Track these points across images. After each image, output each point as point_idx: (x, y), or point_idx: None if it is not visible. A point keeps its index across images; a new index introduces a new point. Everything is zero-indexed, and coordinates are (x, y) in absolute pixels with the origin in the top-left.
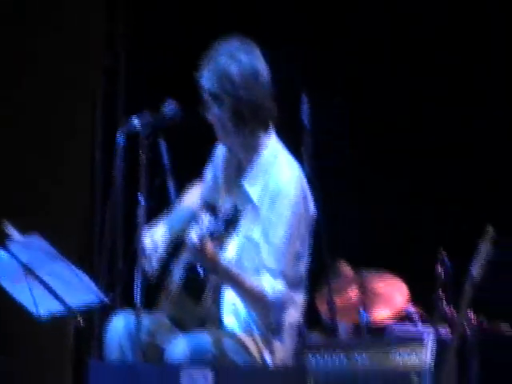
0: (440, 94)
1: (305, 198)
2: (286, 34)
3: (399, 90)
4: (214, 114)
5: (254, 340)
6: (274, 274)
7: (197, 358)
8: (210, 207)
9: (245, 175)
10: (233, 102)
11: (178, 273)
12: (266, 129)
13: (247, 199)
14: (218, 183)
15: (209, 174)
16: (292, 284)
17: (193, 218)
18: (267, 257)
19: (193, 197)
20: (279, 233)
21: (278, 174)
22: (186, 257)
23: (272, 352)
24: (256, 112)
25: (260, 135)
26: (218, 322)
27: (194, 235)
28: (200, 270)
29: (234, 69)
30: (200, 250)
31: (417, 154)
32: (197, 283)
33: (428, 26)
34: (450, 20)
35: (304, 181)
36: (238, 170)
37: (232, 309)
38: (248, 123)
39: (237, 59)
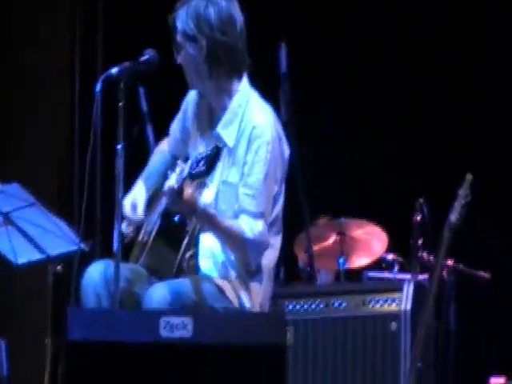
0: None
1: (280, 140)
2: None
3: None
4: (189, 54)
5: (231, 284)
6: (254, 215)
7: (176, 303)
8: (180, 159)
9: (217, 120)
10: (208, 43)
11: (152, 221)
12: (238, 74)
13: (221, 144)
14: (188, 134)
15: (176, 126)
16: (270, 226)
17: (165, 172)
18: (246, 199)
19: (162, 153)
20: (257, 175)
21: (252, 117)
22: (162, 204)
23: (250, 296)
24: (230, 55)
25: (233, 81)
26: (195, 269)
27: (171, 181)
28: (175, 217)
29: (211, 12)
30: (178, 193)
31: (398, 104)
32: (172, 231)
33: (428, 26)
34: (449, 20)
35: (278, 124)
36: (209, 116)
37: (209, 253)
38: (222, 66)
39: (215, 3)
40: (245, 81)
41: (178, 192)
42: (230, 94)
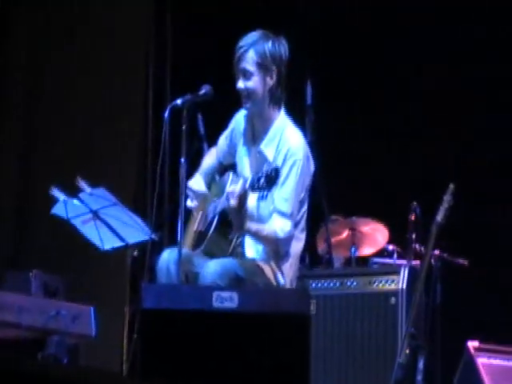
0: None
1: (308, 158)
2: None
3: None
4: (259, 82)
5: (269, 266)
6: (285, 215)
7: (225, 276)
8: (223, 167)
9: (260, 140)
10: (277, 73)
11: (209, 212)
12: (280, 104)
13: (263, 158)
14: (234, 148)
15: (224, 141)
16: (297, 223)
17: (212, 174)
18: (280, 202)
19: (211, 159)
20: (290, 185)
21: (288, 139)
22: (219, 202)
23: (283, 275)
24: (285, 86)
25: (276, 109)
26: (242, 255)
27: (236, 187)
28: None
29: (282, 49)
30: (235, 209)
31: (397, 122)
32: (226, 225)
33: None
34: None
35: (307, 146)
36: (252, 135)
37: (252, 243)
38: (281, 94)
39: (283, 42)
40: (282, 110)
41: (241, 197)
42: (272, 120)
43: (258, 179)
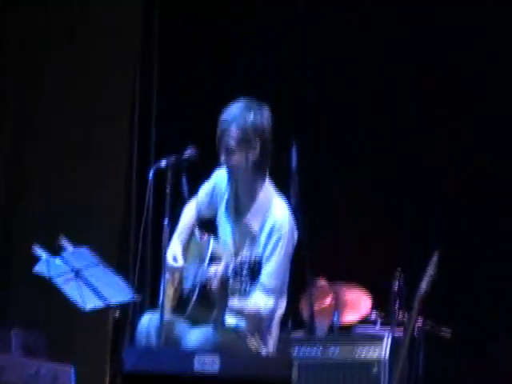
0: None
1: (292, 230)
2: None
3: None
4: (241, 158)
5: (252, 336)
6: (269, 292)
7: (207, 346)
8: (203, 221)
9: (244, 207)
10: (261, 144)
11: (189, 274)
12: (265, 173)
13: (248, 230)
14: (214, 206)
15: (204, 195)
16: (280, 292)
17: (192, 228)
18: (264, 278)
19: (191, 211)
20: (275, 260)
21: (274, 213)
22: (202, 278)
23: (266, 345)
24: (269, 156)
25: (260, 178)
26: (223, 323)
27: (214, 271)
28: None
29: (264, 119)
30: (217, 291)
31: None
32: (207, 294)
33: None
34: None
35: (291, 217)
36: (236, 202)
37: (235, 314)
38: (266, 164)
39: (264, 112)
40: (267, 178)
41: (222, 280)
42: (256, 189)
43: (241, 268)
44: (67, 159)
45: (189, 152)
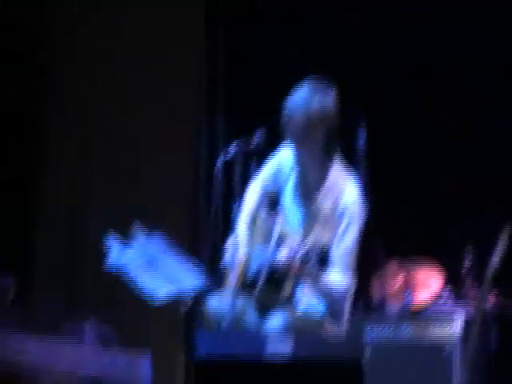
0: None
1: (362, 210)
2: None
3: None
4: (308, 143)
5: (326, 318)
6: (344, 271)
7: (279, 328)
8: (270, 199)
9: (314, 189)
10: (327, 128)
11: (256, 258)
12: (334, 153)
13: (318, 212)
14: (278, 185)
15: (268, 171)
16: (352, 272)
17: (258, 208)
18: (339, 258)
19: (255, 194)
20: (348, 241)
21: (346, 194)
22: (270, 263)
23: (338, 323)
24: (337, 138)
25: (329, 157)
26: (293, 305)
27: (284, 254)
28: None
29: (330, 100)
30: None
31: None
32: (279, 279)
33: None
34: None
35: (361, 197)
36: (305, 184)
37: (307, 297)
38: (333, 148)
39: (330, 93)
40: (337, 159)
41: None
42: (326, 168)
43: (311, 253)
44: (132, 153)
45: (257, 139)
